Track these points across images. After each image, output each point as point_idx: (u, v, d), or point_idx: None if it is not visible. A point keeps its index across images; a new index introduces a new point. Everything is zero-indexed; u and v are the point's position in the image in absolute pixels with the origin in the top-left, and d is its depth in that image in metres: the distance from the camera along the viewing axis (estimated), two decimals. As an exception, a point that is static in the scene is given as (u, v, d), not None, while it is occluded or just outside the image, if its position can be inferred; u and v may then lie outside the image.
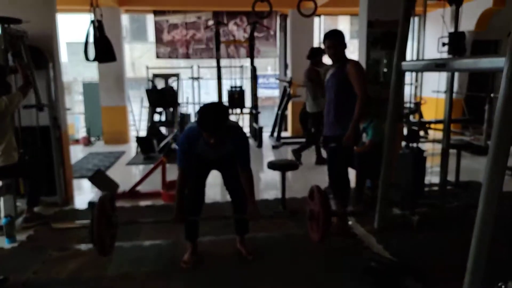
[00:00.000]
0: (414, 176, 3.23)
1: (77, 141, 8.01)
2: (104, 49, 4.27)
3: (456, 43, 3.16)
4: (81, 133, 8.72)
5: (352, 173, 4.27)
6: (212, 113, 2.39)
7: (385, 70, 4.52)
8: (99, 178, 4.37)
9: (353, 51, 16.68)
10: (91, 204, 4.09)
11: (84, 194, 4.63)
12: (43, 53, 3.85)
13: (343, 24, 16.99)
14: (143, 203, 4.25)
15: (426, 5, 3.18)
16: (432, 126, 7.00)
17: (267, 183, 5.12)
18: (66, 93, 9.36)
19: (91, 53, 4.31)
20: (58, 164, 4.05)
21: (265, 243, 3.11)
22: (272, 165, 3.74)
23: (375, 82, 4.40)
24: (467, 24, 6.87)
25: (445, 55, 3.31)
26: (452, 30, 3.25)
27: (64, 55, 15.94)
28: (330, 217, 2.53)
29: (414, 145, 3.31)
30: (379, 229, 3.30)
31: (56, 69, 4.02)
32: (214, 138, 2.38)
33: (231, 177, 2.76)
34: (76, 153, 7.09)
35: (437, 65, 2.45)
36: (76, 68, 15.68)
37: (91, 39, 4.21)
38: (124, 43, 8.22)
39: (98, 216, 2.40)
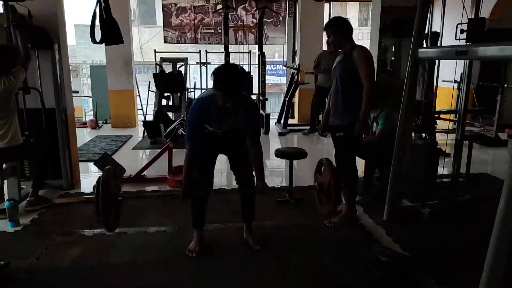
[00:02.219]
0: (427, 168, 3.13)
1: (84, 124, 7.99)
2: (111, 31, 4.16)
3: (476, 29, 3.02)
4: (89, 116, 8.69)
5: (360, 163, 4.24)
6: (231, 71, 2.31)
7: (393, 58, 4.39)
8: (105, 162, 4.30)
9: (362, 39, 16.49)
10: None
11: (90, 177, 4.58)
12: (48, 34, 3.77)
13: (352, 11, 16.68)
14: (149, 188, 4.21)
15: (446, -11, 3.03)
16: (442, 116, 6.85)
17: (273, 170, 5.05)
18: (74, 76, 9.34)
19: (98, 35, 4.23)
20: (64, 147, 4.01)
21: (272, 233, 3.05)
22: (279, 153, 3.66)
23: (383, 70, 4.30)
24: (482, 11, 6.65)
25: (462, 43, 3.18)
26: (471, 16, 3.10)
27: (72, 38, 15.89)
28: (341, 187, 2.45)
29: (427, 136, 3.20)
30: (388, 221, 3.22)
31: (61, 51, 3.94)
32: (230, 100, 2.30)
33: (239, 160, 2.69)
34: (83, 136, 7.07)
35: (457, 53, 2.33)
36: (84, 51, 15.60)
37: (97, 21, 4.13)
38: (132, 26, 8.10)
39: (103, 189, 2.33)
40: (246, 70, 7.78)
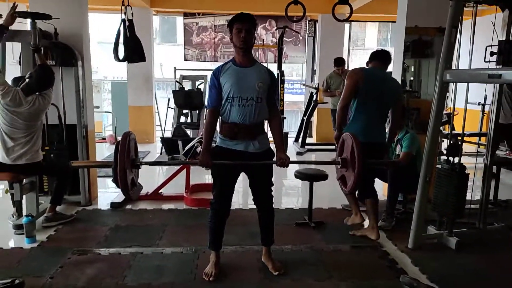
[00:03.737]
0: (455, 194, 2.99)
1: (103, 139, 8.07)
2: (134, 49, 4.21)
3: (508, 52, 2.91)
4: (108, 131, 8.78)
5: (382, 186, 4.12)
6: (246, 14, 2.40)
7: (412, 78, 4.30)
8: (123, 179, 4.30)
9: (383, 58, 16.43)
10: (113, 204, 4.04)
11: (108, 194, 4.58)
12: (73, 51, 3.82)
13: (371, 31, 16.65)
14: (166, 206, 4.16)
15: (476, 10, 2.94)
16: (466, 139, 6.67)
17: (291, 191, 4.95)
18: (95, 91, 9.49)
19: (121, 53, 4.28)
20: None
21: (291, 257, 2.94)
22: (300, 175, 3.57)
23: (404, 91, 4.22)
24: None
25: (492, 65, 3.08)
26: (502, 37, 3.00)
27: (95, 55, 16.30)
28: (365, 162, 2.35)
29: (456, 159, 3.06)
30: (414, 249, 3.08)
31: (85, 68, 3.98)
32: (245, 31, 2.32)
33: (260, 178, 2.59)
34: (102, 151, 7.12)
35: (490, 76, 2.23)
36: (106, 67, 15.95)
37: (121, 39, 4.18)
38: (153, 44, 8.23)
39: (121, 154, 2.25)
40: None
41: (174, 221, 3.69)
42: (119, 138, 7.79)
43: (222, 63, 2.53)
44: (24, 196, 3.40)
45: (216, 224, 2.62)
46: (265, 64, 8.89)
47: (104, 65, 15.85)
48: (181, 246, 3.08)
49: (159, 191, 4.36)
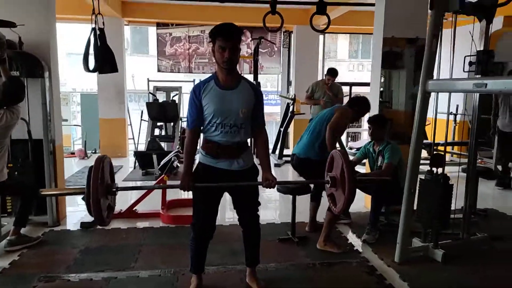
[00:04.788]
0: (440, 205, 2.95)
1: (72, 154, 7.70)
2: (106, 59, 4.03)
3: (485, 62, 2.93)
4: (77, 145, 8.41)
5: (364, 198, 4.06)
6: (230, 23, 2.23)
7: (381, 89, 4.31)
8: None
9: (353, 70, 16.73)
10: (84, 224, 3.79)
11: (78, 212, 4.29)
12: (39, 61, 3.59)
13: (342, 43, 16.98)
14: (141, 224, 3.94)
15: (455, 20, 2.95)
16: (440, 148, 6.78)
17: (271, 204, 4.83)
18: (63, 104, 9.12)
19: (92, 63, 4.07)
20: (50, 181, 3.74)
21: (276, 275, 2.81)
22: (283, 189, 3.45)
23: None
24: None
25: (471, 75, 3.09)
26: (480, 47, 3.02)
27: (63, 66, 15.77)
28: (355, 180, 2.22)
29: (439, 170, 3.04)
30: (400, 263, 3.01)
31: (52, 79, 3.75)
32: (229, 50, 2.15)
33: (245, 198, 2.46)
34: (71, 166, 6.77)
35: (477, 85, 2.20)
36: (75, 79, 15.46)
37: (91, 49, 3.98)
38: (125, 55, 7.98)
39: (94, 180, 2.02)
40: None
41: (150, 241, 3.48)
42: (88, 152, 7.48)
43: (201, 79, 2.39)
44: (-17, 219, 3.12)
45: (198, 246, 2.46)
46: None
47: (73, 77, 15.36)
48: (159, 268, 2.88)
49: (134, 208, 4.13)
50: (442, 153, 3.21)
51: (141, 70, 15.17)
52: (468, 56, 3.08)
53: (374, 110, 4.21)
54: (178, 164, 4.15)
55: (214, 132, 2.30)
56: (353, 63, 16.91)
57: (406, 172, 3.00)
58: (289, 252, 3.24)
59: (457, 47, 3.01)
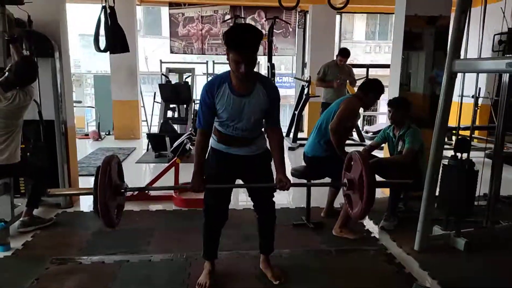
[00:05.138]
0: (464, 192, 2.81)
1: (86, 136, 7.72)
2: (117, 39, 3.94)
3: (518, 40, 2.74)
4: (91, 127, 8.42)
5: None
6: (246, 27, 2.01)
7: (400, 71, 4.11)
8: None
9: (370, 51, 16.30)
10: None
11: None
12: (49, 41, 3.51)
13: (359, 24, 16.53)
14: (153, 207, 3.90)
15: (487, -5, 2.75)
16: (461, 132, 6.56)
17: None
18: (77, 86, 9.11)
19: (103, 43, 3.99)
20: (63, 162, 3.71)
21: (291, 262, 2.72)
22: (297, 173, 3.34)
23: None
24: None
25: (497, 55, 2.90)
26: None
27: (77, 47, 15.76)
28: (375, 183, 2.11)
29: (464, 155, 2.88)
30: (420, 251, 2.89)
31: (63, 59, 3.67)
32: (245, 64, 1.95)
33: (260, 190, 2.37)
34: (85, 148, 6.79)
35: (510, 65, 2.03)
36: (89, 61, 15.47)
37: (102, 29, 3.89)
38: (138, 36, 7.87)
39: (102, 181, 1.94)
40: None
41: (162, 224, 3.44)
42: (102, 133, 7.49)
43: (214, 76, 2.21)
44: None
45: (211, 233, 2.40)
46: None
47: (86, 58, 15.37)
48: (171, 252, 2.83)
49: (146, 191, 4.09)
50: (467, 137, 3.05)
51: (154, 51, 15.11)
52: (497, 34, 2.88)
53: (395, 93, 4.04)
54: (190, 146, 4.07)
55: (227, 129, 2.22)
56: (370, 44, 16.46)
57: (429, 157, 2.86)
58: (304, 238, 3.16)
59: (486, 26, 2.82)
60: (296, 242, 3.07)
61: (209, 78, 2.21)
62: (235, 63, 1.97)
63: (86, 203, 3.91)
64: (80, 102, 8.90)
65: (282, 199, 4.23)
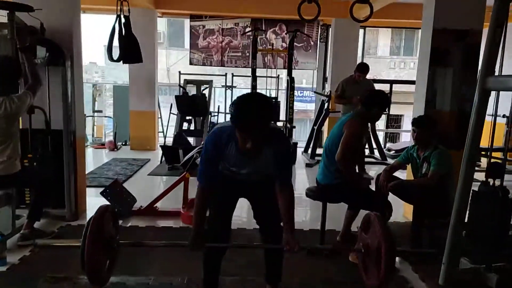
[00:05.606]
0: (497, 222, 2.52)
1: (103, 145, 7.69)
2: (130, 48, 3.85)
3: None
4: (110, 137, 8.41)
5: (405, 208, 3.63)
6: (255, 106, 1.78)
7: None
8: (114, 192, 3.89)
9: (394, 67, 15.93)
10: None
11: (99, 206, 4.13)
12: (60, 49, 3.44)
13: (384, 38, 16.22)
14: (161, 222, 3.74)
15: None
16: (493, 154, 6.16)
17: (301, 208, 4.49)
18: (97, 96, 9.17)
19: (116, 52, 3.91)
20: (69, 173, 3.60)
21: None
22: (311, 194, 3.12)
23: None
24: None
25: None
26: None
27: (100, 58, 16.07)
28: (395, 255, 1.86)
29: (497, 182, 2.61)
30: (445, 286, 2.60)
31: (74, 69, 3.59)
32: (252, 141, 1.79)
33: (266, 208, 2.17)
34: (101, 158, 6.77)
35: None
36: (112, 72, 15.72)
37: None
38: (158, 48, 7.86)
39: (92, 234, 1.83)
40: (273, 96, 7.36)
41: (167, 242, 3.24)
42: (118, 144, 7.43)
43: (219, 128, 2.02)
44: (-3, 211, 3.00)
45: (211, 262, 2.21)
46: (273, 71, 8.47)
47: (111, 69, 15.62)
48: (172, 275, 2.65)
49: (154, 205, 3.94)
50: (500, 161, 2.77)
51: (176, 64, 15.23)
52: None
53: (420, 111, 3.78)
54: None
55: (229, 172, 2.10)
56: (394, 60, 16.09)
57: (457, 182, 2.60)
58: (317, 267, 2.91)
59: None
60: (307, 269, 2.83)
61: (215, 129, 2.03)
62: (241, 139, 1.83)
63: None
64: (100, 111, 8.95)
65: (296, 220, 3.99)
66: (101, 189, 4.47)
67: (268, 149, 1.95)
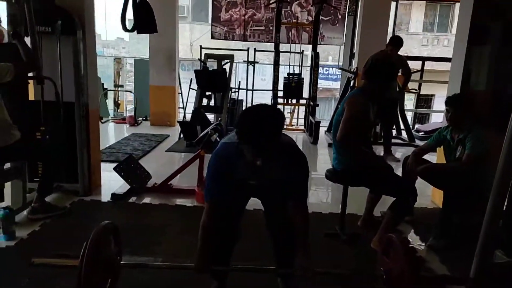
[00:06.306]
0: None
1: (123, 120, 7.66)
2: (144, 18, 3.65)
3: None
4: (131, 112, 8.38)
5: (436, 195, 3.38)
6: (262, 120, 1.61)
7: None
8: (128, 168, 3.79)
9: (427, 44, 15.14)
10: (114, 196, 3.54)
11: (115, 181, 4.03)
12: (71, 18, 3.29)
13: (417, 14, 15.37)
14: (174, 201, 3.62)
15: None
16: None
17: (319, 190, 4.28)
18: (120, 69, 9.09)
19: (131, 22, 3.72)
20: (82, 147, 3.51)
21: (317, 283, 2.30)
22: (331, 176, 2.89)
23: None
24: None
25: None
26: None
27: (125, 33, 15.99)
28: (420, 281, 1.66)
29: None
30: (477, 280, 2.36)
31: (87, 38, 3.45)
32: (261, 156, 1.61)
33: (279, 212, 1.96)
34: (120, 133, 6.73)
35: None
36: (136, 46, 15.66)
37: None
38: (180, 22, 7.64)
39: (89, 258, 1.67)
40: (297, 73, 7.06)
41: (179, 222, 3.14)
42: (139, 118, 7.35)
43: (225, 144, 1.84)
44: (5, 185, 2.93)
45: (220, 253, 2.04)
46: (298, 46, 8.12)
47: (134, 43, 15.57)
48: (181, 256, 2.51)
49: (169, 183, 3.83)
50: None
51: (199, 38, 14.99)
52: None
53: (456, 90, 3.46)
54: (218, 138, 3.73)
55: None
56: (428, 37, 15.27)
57: (494, 167, 2.32)
58: (334, 253, 2.72)
59: None
60: (325, 256, 2.63)
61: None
62: (249, 154, 1.65)
63: (107, 191, 3.70)
64: (122, 86, 8.90)
65: (313, 202, 3.80)
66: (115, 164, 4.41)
67: (280, 166, 1.77)
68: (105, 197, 3.61)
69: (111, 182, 3.95)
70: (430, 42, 15.18)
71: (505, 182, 2.26)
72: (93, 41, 3.63)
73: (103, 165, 4.07)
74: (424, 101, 12.70)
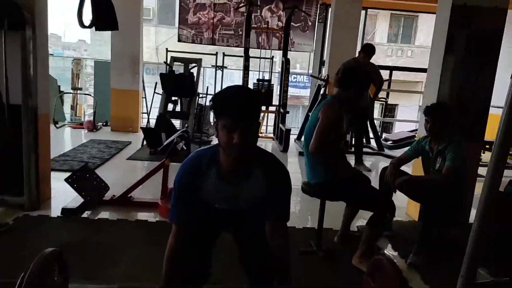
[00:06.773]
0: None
1: (81, 125, 7.17)
2: (104, 13, 3.33)
3: None
4: (88, 116, 7.90)
5: (412, 207, 3.26)
6: (240, 89, 1.55)
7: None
8: (83, 178, 3.41)
9: (391, 55, 15.51)
10: (65, 211, 3.17)
11: (67, 193, 3.64)
12: (20, 11, 2.92)
13: (383, 25, 15.73)
14: (135, 215, 3.29)
15: None
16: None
17: (294, 202, 4.08)
18: (78, 71, 8.58)
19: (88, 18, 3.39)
20: (29, 153, 3.12)
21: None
22: (308, 188, 2.69)
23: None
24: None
25: None
26: None
27: (87, 35, 15.34)
28: None
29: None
30: (462, 302, 2.22)
31: (37, 35, 3.08)
32: (242, 130, 1.39)
33: (255, 242, 1.71)
34: (78, 138, 6.28)
35: None
36: (98, 48, 15.03)
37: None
38: (144, 24, 7.30)
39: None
40: (267, 79, 6.89)
41: (139, 239, 2.83)
42: (99, 124, 6.91)
43: (197, 153, 1.62)
44: None
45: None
46: (267, 52, 7.98)
47: (97, 46, 14.95)
48: (139, 280, 2.22)
49: (129, 195, 3.49)
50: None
51: (165, 41, 14.57)
52: None
53: (432, 99, 3.37)
54: (184, 146, 3.46)
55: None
56: (392, 47, 15.66)
57: (471, 178, 2.20)
58: (311, 270, 2.51)
59: None
60: (301, 274, 2.41)
61: (196, 152, 1.57)
62: (226, 132, 1.42)
63: (57, 204, 3.31)
64: (80, 89, 8.39)
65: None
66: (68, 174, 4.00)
67: (258, 174, 1.56)
68: (55, 211, 3.22)
69: (63, 194, 3.54)
70: (395, 53, 15.56)
71: (492, 198, 2.14)
72: (45, 38, 3.26)
73: (54, 175, 3.68)
74: (388, 111, 12.94)
